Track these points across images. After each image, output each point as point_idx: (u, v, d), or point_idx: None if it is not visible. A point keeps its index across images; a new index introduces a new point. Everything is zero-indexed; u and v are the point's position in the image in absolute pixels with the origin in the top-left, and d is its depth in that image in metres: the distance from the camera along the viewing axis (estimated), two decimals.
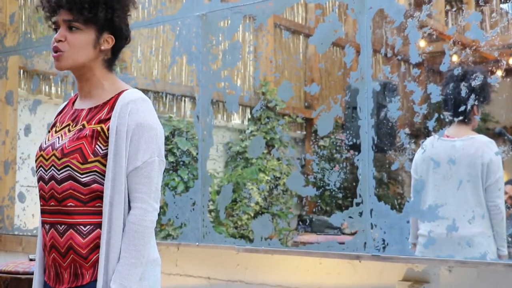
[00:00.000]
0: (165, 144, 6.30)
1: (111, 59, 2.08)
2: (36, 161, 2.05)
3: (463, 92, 3.21)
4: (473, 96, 3.27)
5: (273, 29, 8.00)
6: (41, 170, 2.01)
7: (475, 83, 3.22)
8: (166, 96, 6.88)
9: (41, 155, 2.02)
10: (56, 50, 1.98)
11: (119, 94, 2.02)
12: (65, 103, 2.19)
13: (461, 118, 3.37)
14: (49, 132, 2.12)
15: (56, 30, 2.02)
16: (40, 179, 2.01)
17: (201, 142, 3.75)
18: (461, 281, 2.93)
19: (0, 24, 4.80)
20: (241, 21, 3.71)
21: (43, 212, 2.01)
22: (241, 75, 7.70)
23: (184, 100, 7.13)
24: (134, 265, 1.90)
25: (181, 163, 6.35)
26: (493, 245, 3.33)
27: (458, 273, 2.92)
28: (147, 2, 5.99)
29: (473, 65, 3.43)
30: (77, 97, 2.13)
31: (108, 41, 2.03)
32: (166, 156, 6.34)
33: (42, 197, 2.01)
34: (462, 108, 3.29)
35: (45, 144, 2.04)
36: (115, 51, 2.08)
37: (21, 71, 5.46)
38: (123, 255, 1.90)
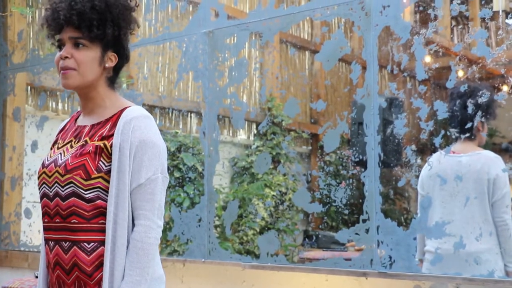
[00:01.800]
0: (171, 160, 6.34)
1: (113, 77, 2.08)
2: (38, 178, 2.04)
3: (469, 108, 3.21)
4: (479, 112, 3.27)
5: (279, 46, 8.03)
6: (44, 187, 2.00)
7: (481, 100, 3.22)
8: (172, 112, 6.90)
9: (44, 172, 2.01)
10: (64, 67, 1.97)
11: (121, 111, 2.01)
12: (67, 120, 2.19)
13: (467, 134, 3.37)
14: (51, 149, 2.12)
15: (60, 47, 2.01)
16: (44, 195, 2.00)
17: (207, 158, 3.76)
18: None
19: (9, 41, 4.83)
20: (248, 38, 3.73)
21: (47, 229, 2.00)
22: (247, 91, 7.71)
23: (190, 116, 7.14)
24: (138, 282, 1.89)
25: (187, 179, 6.35)
26: (500, 262, 3.31)
27: None
28: (154, 19, 6.03)
29: (479, 82, 3.43)
30: (79, 114, 2.13)
31: (111, 59, 2.04)
32: (172, 172, 6.36)
33: (46, 214, 2.00)
34: (468, 125, 3.29)
35: (47, 161, 2.03)
36: (117, 69, 2.09)
37: (29, 87, 5.49)
38: (128, 272, 1.89)
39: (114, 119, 1.99)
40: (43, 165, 2.04)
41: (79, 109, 2.18)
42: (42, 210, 2.02)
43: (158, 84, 6.84)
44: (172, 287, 3.79)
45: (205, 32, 3.79)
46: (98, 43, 1.99)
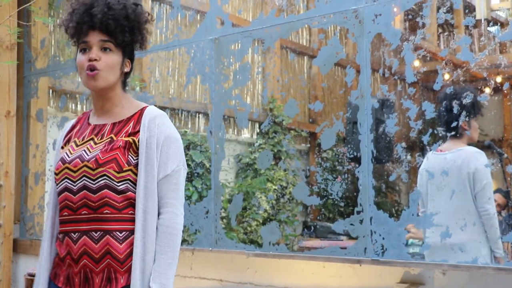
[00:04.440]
0: None
1: (125, 81, 2.09)
2: (58, 174, 2.00)
3: (454, 109, 3.22)
4: (463, 112, 3.27)
5: (280, 51, 8.02)
6: (66, 182, 1.97)
7: (465, 101, 3.22)
8: (181, 113, 6.90)
9: (67, 167, 1.97)
10: (92, 68, 1.94)
11: (142, 110, 2.03)
12: (73, 121, 2.16)
13: (453, 133, 3.37)
14: (62, 147, 2.07)
15: (84, 50, 1.98)
16: (65, 190, 1.97)
17: (213, 155, 3.76)
18: (454, 283, 2.91)
19: (32, 48, 4.84)
20: (251, 44, 3.72)
21: (69, 221, 1.96)
22: (250, 93, 7.71)
23: (198, 116, 7.14)
24: (170, 265, 1.91)
25: (196, 174, 6.34)
26: (484, 250, 3.30)
27: (451, 276, 2.90)
28: (165, 27, 6.03)
29: (464, 84, 3.44)
30: (88, 115, 2.11)
31: (127, 65, 2.06)
32: None
33: (67, 208, 1.96)
34: (453, 124, 3.30)
35: (69, 157, 1.99)
36: (128, 74, 2.10)
37: (50, 90, 5.50)
38: (160, 256, 1.90)
39: (136, 117, 2.01)
40: (63, 161, 2.00)
41: (85, 111, 2.17)
42: (60, 204, 1.99)
43: (169, 87, 6.84)
44: (182, 274, 3.79)
45: (212, 39, 3.78)
46: (120, 49, 2.00)
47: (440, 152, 3.41)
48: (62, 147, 2.08)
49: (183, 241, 5.63)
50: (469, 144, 3.48)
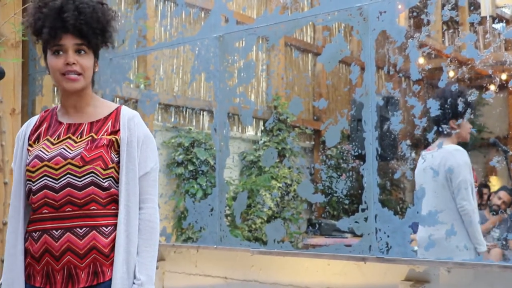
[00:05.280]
0: (186, 154, 6.34)
1: (93, 80, 2.11)
2: (34, 171, 1.97)
3: (444, 108, 3.24)
4: (453, 112, 3.31)
5: (284, 49, 8.01)
6: (45, 179, 1.95)
7: (457, 100, 3.25)
8: (186, 110, 6.91)
9: (46, 165, 1.96)
10: (72, 72, 1.97)
11: (117, 109, 2.08)
12: (36, 118, 2.13)
13: (441, 131, 3.41)
14: (32, 145, 2.04)
15: (58, 52, 1.99)
16: (45, 187, 1.95)
17: (218, 152, 3.76)
18: (459, 281, 2.91)
19: (37, 46, 4.84)
20: (255, 42, 3.72)
21: (49, 219, 1.94)
22: (255, 91, 7.71)
23: (203, 114, 7.14)
24: (153, 257, 2.01)
25: (200, 172, 6.35)
26: (467, 245, 3.30)
27: (457, 274, 2.90)
28: (169, 25, 6.04)
29: (469, 82, 3.44)
30: (54, 114, 2.10)
31: (96, 65, 2.08)
32: (186, 165, 6.36)
33: (46, 205, 1.94)
34: (442, 124, 3.33)
35: (46, 155, 1.98)
36: (94, 73, 2.11)
37: (55, 88, 5.50)
38: (144, 249, 1.99)
39: (113, 116, 2.06)
40: (40, 159, 1.97)
41: (47, 108, 2.17)
42: (38, 202, 1.96)
43: (173, 85, 6.84)
44: (187, 271, 3.80)
45: (216, 36, 3.79)
46: (91, 50, 2.03)
47: (428, 151, 3.45)
48: (31, 145, 2.06)
49: (188, 238, 5.65)
50: (459, 143, 3.49)
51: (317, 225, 7.27)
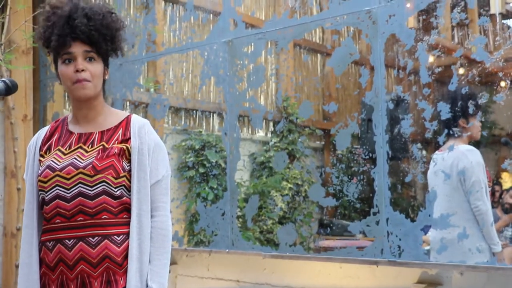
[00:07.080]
0: (196, 157, 6.35)
1: (104, 89, 2.10)
2: (47, 182, 1.97)
3: (453, 108, 3.23)
4: (462, 112, 3.31)
5: (294, 52, 8.00)
6: (57, 189, 1.96)
7: (465, 101, 3.24)
8: (196, 113, 6.91)
9: (58, 175, 1.96)
10: (82, 80, 1.96)
11: (128, 117, 2.08)
12: (46, 129, 2.13)
13: (452, 133, 3.40)
14: (43, 155, 2.04)
15: (68, 60, 1.98)
16: (57, 197, 1.95)
17: (229, 156, 3.77)
18: (472, 284, 2.90)
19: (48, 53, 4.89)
20: (264, 46, 3.73)
21: (62, 229, 1.95)
22: (264, 94, 7.71)
23: (213, 116, 7.15)
24: (166, 265, 2.00)
25: (211, 175, 6.36)
26: (482, 246, 3.28)
27: (469, 277, 2.89)
28: (178, 30, 6.05)
29: (479, 84, 3.43)
30: (65, 124, 2.11)
31: (106, 73, 2.08)
32: (197, 168, 6.37)
33: (59, 215, 1.95)
34: (453, 126, 3.33)
35: (58, 165, 1.98)
36: (105, 82, 2.11)
37: (66, 94, 5.53)
38: (156, 257, 1.98)
39: (124, 125, 2.05)
40: (52, 169, 1.98)
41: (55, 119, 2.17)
42: (51, 212, 1.97)
43: (183, 89, 6.85)
44: (199, 274, 3.81)
45: (225, 41, 3.80)
46: (101, 58, 2.03)
47: (439, 152, 3.43)
48: (42, 156, 2.06)
49: (200, 242, 5.66)
50: (470, 143, 3.47)
51: (328, 227, 7.27)
